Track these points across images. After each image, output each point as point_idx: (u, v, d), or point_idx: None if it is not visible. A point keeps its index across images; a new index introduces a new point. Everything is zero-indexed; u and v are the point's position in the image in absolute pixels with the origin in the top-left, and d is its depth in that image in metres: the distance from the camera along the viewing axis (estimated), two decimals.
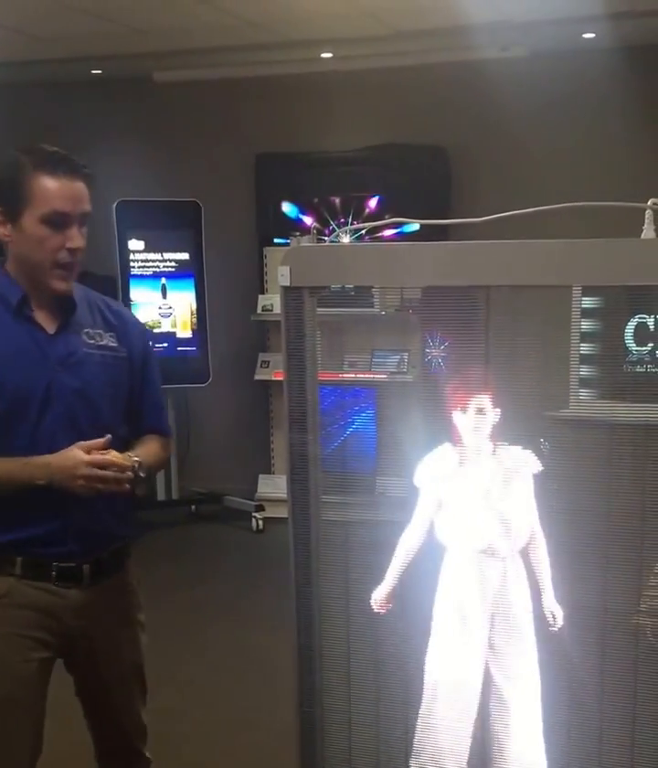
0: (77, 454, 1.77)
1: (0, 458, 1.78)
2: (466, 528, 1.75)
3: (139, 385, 1.98)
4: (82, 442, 1.78)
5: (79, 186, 1.79)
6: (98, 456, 1.77)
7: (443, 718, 1.79)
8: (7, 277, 1.85)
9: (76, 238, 1.80)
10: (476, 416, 1.69)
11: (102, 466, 1.77)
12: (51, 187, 1.76)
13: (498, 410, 1.69)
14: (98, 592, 1.90)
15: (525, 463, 1.69)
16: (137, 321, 2.07)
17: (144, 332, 2.05)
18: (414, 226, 4.58)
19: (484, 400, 1.69)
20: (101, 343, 1.90)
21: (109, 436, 1.81)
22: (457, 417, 1.71)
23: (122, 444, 1.89)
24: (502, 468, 1.71)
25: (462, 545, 1.75)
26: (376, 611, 1.79)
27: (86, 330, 1.90)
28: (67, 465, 1.76)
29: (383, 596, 1.79)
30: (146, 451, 1.93)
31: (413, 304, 1.76)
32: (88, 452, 1.77)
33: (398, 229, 4.78)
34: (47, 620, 1.86)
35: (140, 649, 2.03)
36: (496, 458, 1.72)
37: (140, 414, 1.99)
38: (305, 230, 5.29)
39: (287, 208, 5.49)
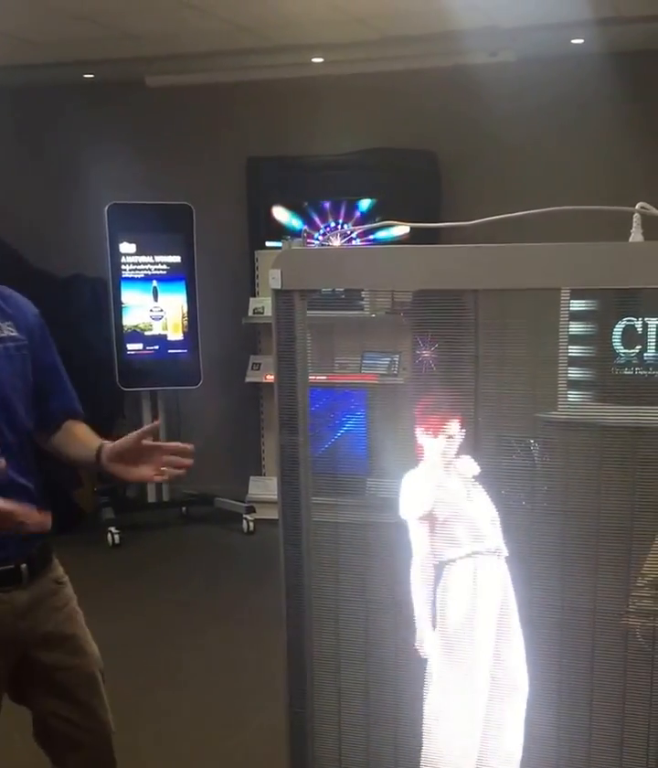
0: None
1: None
2: (472, 534, 1.77)
3: (43, 370, 1.89)
4: None
5: None
6: None
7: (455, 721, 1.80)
8: None
9: None
10: (447, 440, 1.72)
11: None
12: None
13: (464, 431, 1.72)
14: (37, 590, 1.86)
15: (472, 468, 1.74)
16: (28, 302, 1.92)
17: (37, 313, 1.91)
18: (392, 233, 4.62)
19: (454, 426, 1.71)
20: (2, 335, 1.79)
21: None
22: (425, 440, 1.73)
23: (30, 439, 1.83)
24: (467, 474, 1.75)
25: (472, 549, 1.77)
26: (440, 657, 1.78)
27: None
28: None
29: (435, 645, 1.78)
30: (91, 438, 1.85)
31: (404, 306, 1.78)
32: None
33: (371, 236, 4.79)
34: None
35: (92, 640, 1.97)
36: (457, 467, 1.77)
37: (47, 399, 1.90)
38: (297, 234, 5.30)
39: (284, 214, 5.49)
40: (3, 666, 1.84)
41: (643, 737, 1.64)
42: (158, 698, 3.34)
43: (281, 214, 5.51)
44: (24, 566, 1.83)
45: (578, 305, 1.68)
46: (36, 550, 1.87)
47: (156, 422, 1.79)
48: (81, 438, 1.91)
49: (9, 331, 1.82)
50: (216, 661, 3.66)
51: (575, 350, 1.72)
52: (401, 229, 4.57)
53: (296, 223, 5.46)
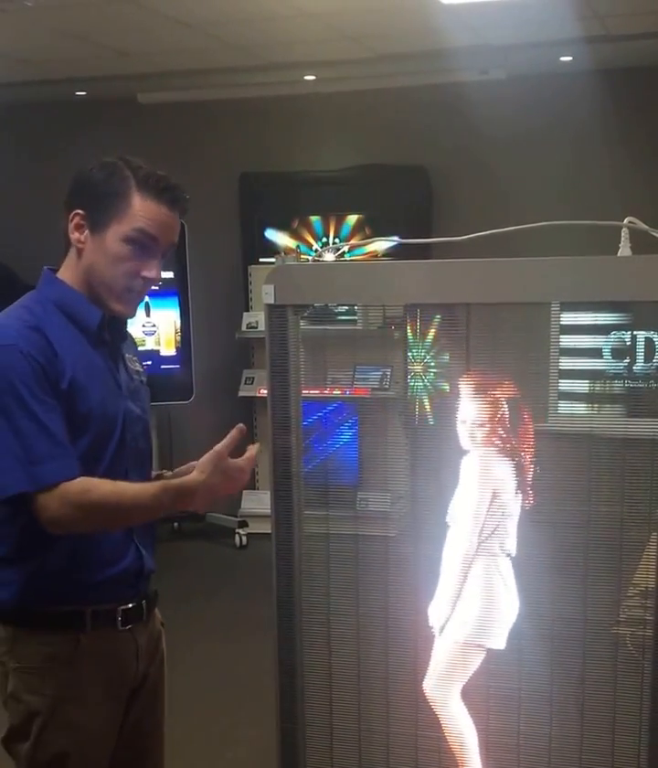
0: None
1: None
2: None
3: None
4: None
5: (175, 218, 1.68)
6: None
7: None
8: (73, 291, 1.66)
9: (155, 268, 1.66)
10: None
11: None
12: (149, 209, 1.63)
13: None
14: (152, 629, 1.82)
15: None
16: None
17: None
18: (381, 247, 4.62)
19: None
20: (138, 368, 1.79)
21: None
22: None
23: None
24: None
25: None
26: None
27: (126, 354, 1.76)
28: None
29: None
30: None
31: (396, 320, 1.79)
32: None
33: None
34: (117, 673, 1.72)
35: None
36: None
37: None
38: (290, 250, 5.34)
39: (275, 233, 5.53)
40: (123, 712, 1.74)
41: (634, 746, 1.65)
42: None
43: (273, 234, 5.54)
44: (144, 603, 1.77)
45: (567, 318, 1.70)
46: (149, 588, 1.81)
47: (241, 426, 1.76)
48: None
49: (139, 366, 1.80)
50: (208, 675, 3.65)
51: (565, 363, 1.74)
52: (391, 245, 4.60)
53: (289, 239, 5.49)
